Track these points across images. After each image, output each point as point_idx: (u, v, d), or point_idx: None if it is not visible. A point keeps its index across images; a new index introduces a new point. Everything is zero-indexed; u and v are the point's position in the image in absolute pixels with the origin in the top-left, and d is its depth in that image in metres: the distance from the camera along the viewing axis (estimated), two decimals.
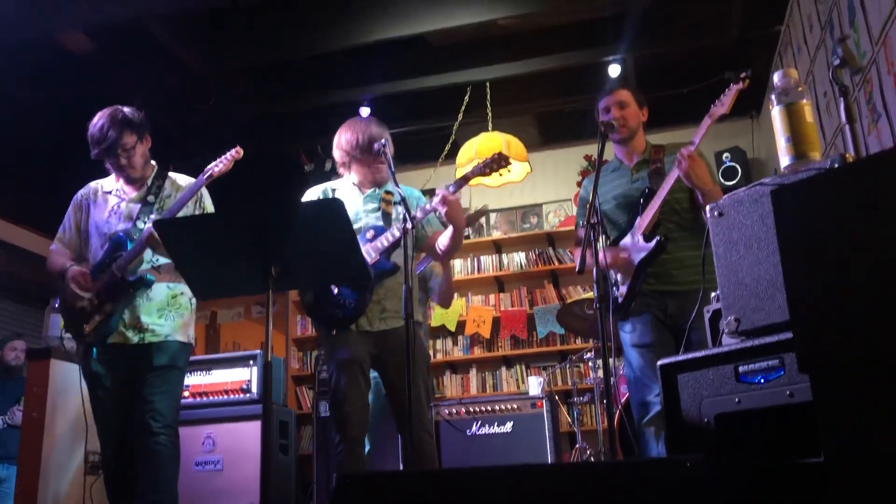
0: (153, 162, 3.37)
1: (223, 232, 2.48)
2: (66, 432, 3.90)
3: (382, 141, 3.15)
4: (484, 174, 3.21)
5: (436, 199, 3.04)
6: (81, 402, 3.31)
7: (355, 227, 3.17)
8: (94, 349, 3.15)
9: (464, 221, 3.16)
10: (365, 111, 6.28)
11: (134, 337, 3.13)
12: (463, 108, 6.38)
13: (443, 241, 3.23)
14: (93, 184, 3.41)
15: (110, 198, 3.32)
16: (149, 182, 3.30)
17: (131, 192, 3.31)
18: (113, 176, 3.36)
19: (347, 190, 3.34)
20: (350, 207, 3.23)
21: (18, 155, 6.20)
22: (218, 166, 3.16)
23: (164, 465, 3.02)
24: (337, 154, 3.33)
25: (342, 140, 3.30)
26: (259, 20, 5.56)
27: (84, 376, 3.21)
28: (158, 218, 3.05)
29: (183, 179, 3.38)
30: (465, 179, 3.16)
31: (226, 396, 4.54)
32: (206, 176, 3.15)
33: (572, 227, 6.90)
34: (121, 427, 3.11)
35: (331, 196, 3.29)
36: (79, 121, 6.59)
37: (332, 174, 7.45)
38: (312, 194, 3.38)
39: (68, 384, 3.90)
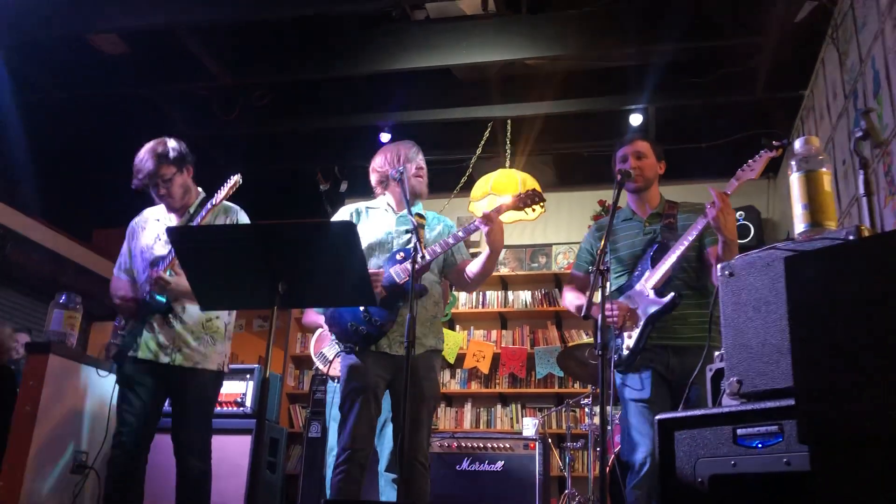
0: (199, 189, 3.50)
1: (234, 245, 2.49)
2: (57, 429, 3.88)
3: (400, 168, 3.19)
4: (518, 208, 3.24)
5: (479, 219, 3.08)
6: (108, 409, 3.49)
7: (386, 248, 3.22)
8: (117, 364, 3.35)
9: (502, 245, 3.20)
10: (385, 137, 6.33)
11: (165, 357, 3.27)
12: (482, 142, 6.42)
13: (476, 264, 3.26)
14: (146, 211, 3.58)
15: (157, 225, 3.48)
16: (191, 210, 3.43)
17: (175, 221, 3.45)
18: (162, 205, 3.50)
19: (381, 210, 3.38)
20: (382, 227, 3.27)
21: (40, 149, 6.27)
22: (219, 197, 3.26)
23: (197, 490, 3.25)
24: (372, 176, 3.41)
25: (376, 163, 3.39)
26: (289, 39, 5.63)
27: (117, 382, 3.38)
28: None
29: (224, 205, 3.45)
30: (499, 210, 3.16)
31: (219, 408, 4.51)
32: (207, 208, 3.27)
33: None
34: (135, 432, 3.24)
35: (363, 215, 3.35)
36: (102, 120, 6.68)
37: (348, 195, 7.51)
38: (345, 212, 3.41)
39: (64, 381, 3.89)
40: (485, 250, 3.21)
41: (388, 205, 3.38)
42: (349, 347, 3.15)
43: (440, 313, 3.34)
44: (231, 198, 3.39)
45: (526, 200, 3.22)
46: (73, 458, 3.93)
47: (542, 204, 3.26)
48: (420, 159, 3.37)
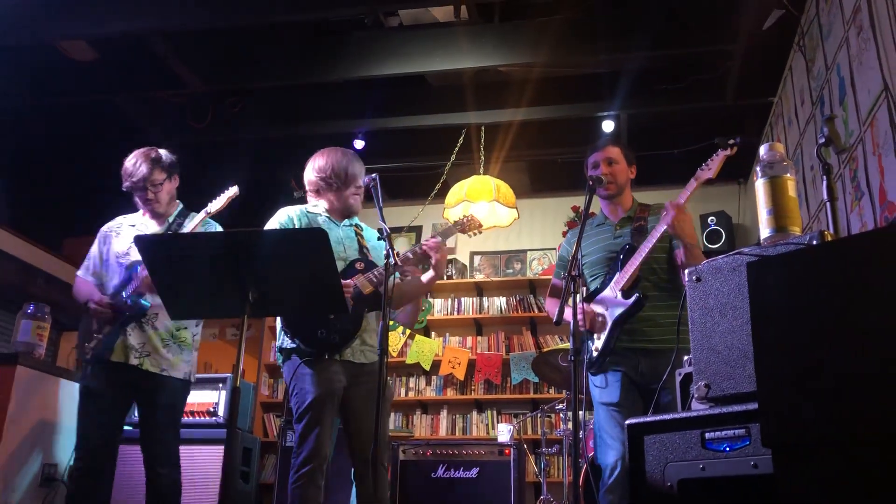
0: (178, 202, 3.58)
1: (203, 253, 2.46)
2: (26, 441, 3.83)
3: (374, 175, 3.17)
4: (462, 231, 3.42)
5: (429, 245, 3.14)
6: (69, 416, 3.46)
7: (339, 257, 3.18)
8: (90, 367, 3.32)
9: (443, 273, 3.32)
10: (359, 143, 6.32)
11: (134, 359, 3.29)
12: (456, 149, 6.43)
13: (416, 282, 3.31)
14: (119, 218, 3.61)
15: (134, 231, 3.50)
16: (170, 219, 3.50)
17: (153, 227, 3.50)
18: (140, 212, 3.55)
19: (324, 219, 3.33)
20: (333, 237, 3.23)
21: (8, 157, 6.18)
22: (215, 206, 3.39)
23: (168, 499, 3.27)
24: (309, 178, 3.36)
25: (316, 165, 3.36)
26: (261, 45, 5.61)
27: (80, 390, 3.36)
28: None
29: (205, 221, 3.51)
30: (445, 235, 3.29)
31: (191, 418, 4.48)
32: (204, 213, 3.39)
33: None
34: (100, 443, 3.25)
35: (304, 219, 3.29)
36: (72, 128, 6.59)
37: None
38: (284, 214, 3.31)
39: (32, 392, 3.84)
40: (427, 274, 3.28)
41: (326, 211, 3.36)
42: (313, 353, 3.08)
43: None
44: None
45: (466, 225, 3.39)
46: (41, 471, 3.88)
47: (479, 230, 3.44)
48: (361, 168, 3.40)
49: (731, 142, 2.91)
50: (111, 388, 3.28)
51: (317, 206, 3.37)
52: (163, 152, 3.47)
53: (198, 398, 4.51)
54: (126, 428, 3.49)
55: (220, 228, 3.54)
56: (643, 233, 3.18)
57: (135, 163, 3.40)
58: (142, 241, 2.51)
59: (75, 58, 5.50)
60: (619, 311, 3.04)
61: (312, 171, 3.36)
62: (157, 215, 3.50)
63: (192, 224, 3.41)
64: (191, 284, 2.52)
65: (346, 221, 3.37)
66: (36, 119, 6.13)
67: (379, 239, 3.28)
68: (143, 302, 3.30)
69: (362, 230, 3.38)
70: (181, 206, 3.57)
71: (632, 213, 3.31)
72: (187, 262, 2.46)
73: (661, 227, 3.02)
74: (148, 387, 3.30)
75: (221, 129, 6.36)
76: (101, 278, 3.47)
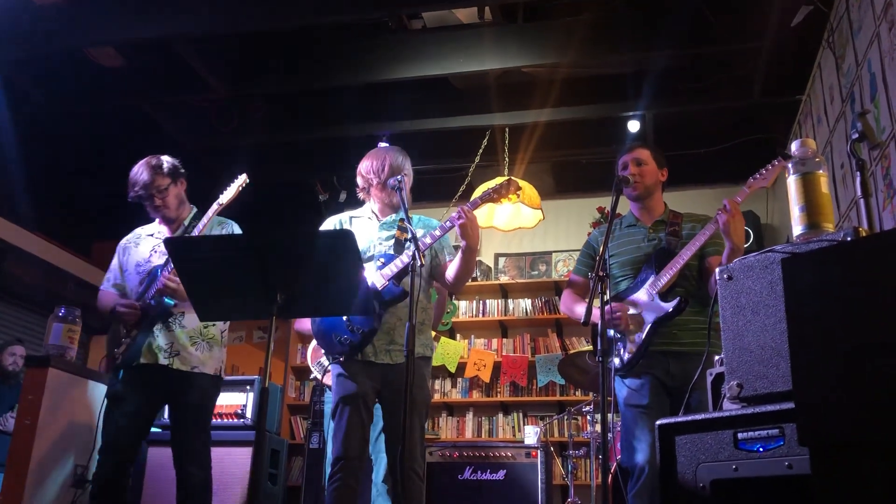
0: (192, 206, 3.61)
1: (232, 255, 2.48)
2: (57, 442, 3.87)
3: (399, 177, 3.17)
4: (493, 200, 3.26)
5: (454, 214, 3.06)
6: (97, 418, 3.46)
7: (367, 256, 3.19)
8: (121, 371, 3.35)
9: (478, 240, 3.16)
10: (383, 146, 6.33)
11: (164, 359, 3.33)
12: (481, 150, 6.43)
13: (453, 263, 3.23)
14: (137, 230, 3.68)
15: (151, 239, 3.58)
16: (185, 223, 3.54)
17: (169, 234, 3.54)
18: (156, 221, 3.60)
19: (365, 219, 3.37)
20: (364, 237, 3.25)
21: (38, 163, 6.27)
22: (227, 196, 3.41)
23: (198, 499, 3.28)
24: (358, 181, 3.39)
25: (363, 167, 3.36)
26: (286, 49, 5.64)
27: (106, 394, 3.43)
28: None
29: (218, 219, 3.55)
30: (476, 202, 3.20)
31: (219, 420, 4.50)
32: (216, 206, 3.40)
33: None
34: (124, 447, 3.29)
35: (347, 225, 3.34)
36: (99, 133, 6.67)
37: (347, 205, 7.49)
38: (330, 224, 3.43)
39: (64, 394, 3.88)
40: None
41: (373, 212, 3.38)
42: (336, 358, 3.15)
43: (428, 319, 3.32)
44: (232, 205, 3.46)
45: (500, 191, 3.22)
46: (73, 471, 3.92)
47: (517, 193, 3.26)
48: (407, 167, 3.35)
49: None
50: (139, 392, 3.31)
51: (364, 209, 3.41)
52: (164, 158, 3.50)
53: (226, 400, 4.53)
54: (156, 430, 3.53)
55: (237, 228, 3.56)
56: (678, 237, 3.15)
57: (137, 172, 3.45)
58: (172, 243, 2.53)
59: (103, 63, 5.57)
60: (660, 313, 3.02)
61: (358, 173, 3.38)
62: (169, 221, 3.54)
63: (205, 218, 3.42)
64: (218, 286, 2.53)
65: (390, 217, 3.32)
66: (64, 124, 6.22)
67: (391, 238, 3.26)
68: (166, 301, 3.33)
69: (408, 223, 3.27)
70: (195, 209, 3.59)
71: (665, 218, 3.28)
72: (216, 264, 2.48)
73: (710, 230, 2.98)
74: (178, 387, 3.33)
75: (247, 133, 6.41)
76: (122, 289, 3.53)
